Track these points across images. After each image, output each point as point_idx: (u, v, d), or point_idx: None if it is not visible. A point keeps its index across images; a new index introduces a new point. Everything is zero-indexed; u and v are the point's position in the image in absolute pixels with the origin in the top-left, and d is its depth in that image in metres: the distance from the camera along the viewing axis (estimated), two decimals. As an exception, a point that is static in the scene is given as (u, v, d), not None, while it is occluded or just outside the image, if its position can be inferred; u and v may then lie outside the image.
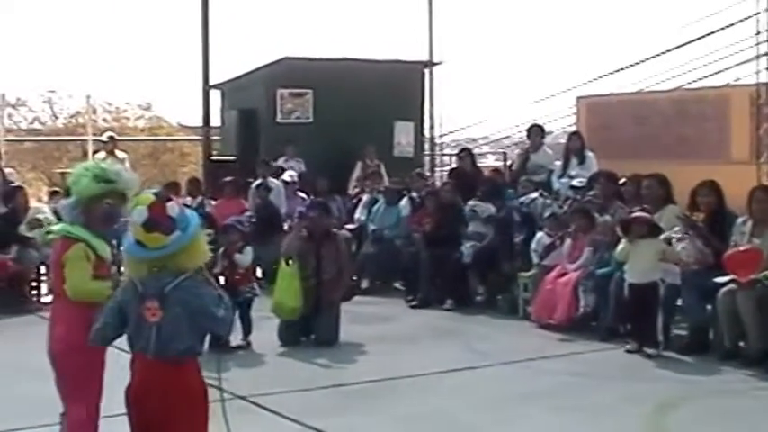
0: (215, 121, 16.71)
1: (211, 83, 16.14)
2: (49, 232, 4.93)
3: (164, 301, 4.01)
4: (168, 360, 4.03)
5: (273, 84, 16.02)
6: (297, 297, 9.05)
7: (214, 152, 16.54)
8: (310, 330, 9.23)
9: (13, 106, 25.80)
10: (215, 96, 17.01)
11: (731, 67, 18.05)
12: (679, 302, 9.01)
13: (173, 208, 4.06)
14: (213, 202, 13.40)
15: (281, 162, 14.91)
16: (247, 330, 9.05)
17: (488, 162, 24.36)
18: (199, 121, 16.55)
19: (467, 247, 11.31)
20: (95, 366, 4.70)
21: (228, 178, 13.77)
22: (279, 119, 16.01)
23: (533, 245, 10.73)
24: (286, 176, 13.95)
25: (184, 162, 24.80)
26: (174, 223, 4.03)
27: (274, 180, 13.90)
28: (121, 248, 4.23)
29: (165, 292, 4.02)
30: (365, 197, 13.62)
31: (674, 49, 19.08)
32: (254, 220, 12.98)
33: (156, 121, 27.59)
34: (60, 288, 4.77)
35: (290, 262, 9.17)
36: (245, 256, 9.11)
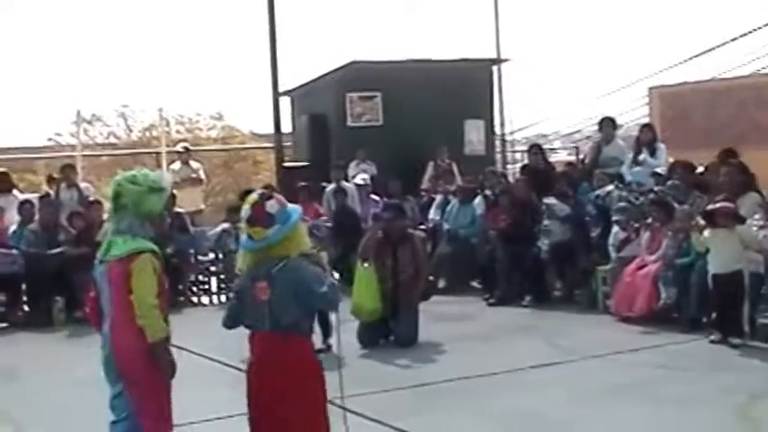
0: (286, 127, 16.86)
1: (281, 90, 16.28)
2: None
3: (271, 281, 4.55)
4: (281, 333, 4.56)
5: (342, 88, 16.12)
6: (375, 299, 9.09)
7: (286, 158, 16.69)
8: (390, 332, 9.27)
9: (89, 122, 26.36)
10: (285, 103, 17.16)
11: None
12: (764, 291, 8.84)
13: (272, 205, 4.61)
14: (288, 208, 13.50)
15: (352, 165, 14.99)
16: (327, 333, 9.10)
17: (560, 157, 24.14)
18: (270, 129, 16.71)
19: (544, 243, 11.23)
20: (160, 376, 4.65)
21: (302, 183, 13.88)
22: (349, 123, 16.09)
23: (611, 239, 10.62)
24: (358, 179, 14.02)
25: (258, 170, 25.03)
26: (272, 218, 4.58)
27: (348, 183, 13.98)
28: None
29: (272, 274, 4.55)
30: (438, 197, 13.61)
31: (749, 33, 18.66)
32: (330, 224, 13.13)
33: (229, 131, 27.90)
34: (121, 304, 4.60)
35: (367, 264, 9.22)
36: (323, 257, 9.19)
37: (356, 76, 16.08)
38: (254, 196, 4.71)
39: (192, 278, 13.02)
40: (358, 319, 9.25)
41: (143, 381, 4.59)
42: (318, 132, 16.39)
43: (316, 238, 9.59)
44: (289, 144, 17.36)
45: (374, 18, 50.72)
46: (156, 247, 4.72)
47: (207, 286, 13.06)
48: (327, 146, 16.13)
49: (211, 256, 13.02)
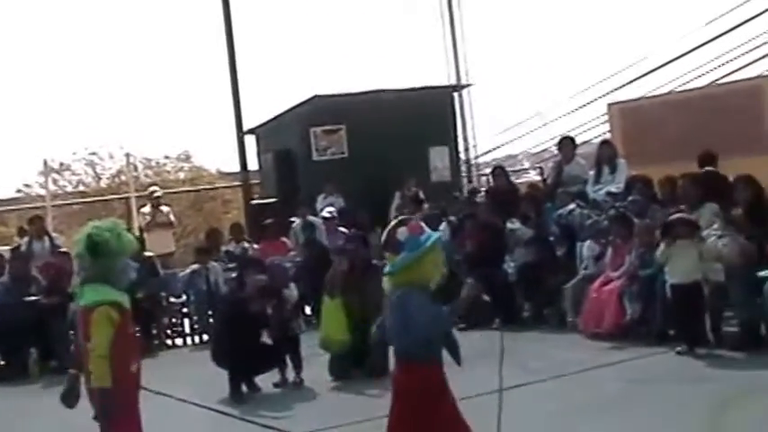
0: (253, 164, 16.98)
1: (246, 128, 16.42)
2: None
3: (391, 309, 4.73)
4: (400, 359, 4.73)
5: (306, 123, 16.26)
6: (344, 331, 9.17)
7: (255, 195, 16.77)
8: (361, 362, 9.33)
9: (57, 171, 26.35)
10: (251, 141, 17.28)
11: (761, 58, 17.90)
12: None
13: (402, 233, 4.69)
14: (256, 246, 13.60)
15: (320, 199, 15.08)
16: (299, 367, 9.18)
17: (530, 177, 24.31)
18: (238, 167, 16.81)
19: (510, 266, 11.35)
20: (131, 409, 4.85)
21: (269, 220, 13.97)
22: (315, 157, 16.23)
23: (585, 251, 10.74)
24: (326, 213, 14.12)
25: (227, 209, 25.08)
26: (400, 245, 4.66)
27: (315, 217, 14.07)
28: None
29: (392, 300, 4.73)
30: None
31: (701, 45, 18.96)
32: (299, 258, 13.20)
33: (196, 171, 27.97)
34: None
35: (334, 296, 9.30)
36: (292, 292, 9.32)
37: (319, 110, 16.24)
38: (393, 222, 4.83)
39: (165, 321, 13.04)
40: (328, 351, 9.32)
41: (115, 420, 4.78)
42: (285, 168, 16.51)
43: (284, 271, 9.75)
44: (256, 181, 17.45)
45: (335, 51, 51.02)
46: (119, 297, 4.87)
47: (180, 328, 13.07)
48: (294, 181, 16.24)
49: (183, 297, 13.06)
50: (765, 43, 17.40)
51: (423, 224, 4.84)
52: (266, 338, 9.02)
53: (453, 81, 18.76)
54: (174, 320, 13.12)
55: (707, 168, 11.08)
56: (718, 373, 8.06)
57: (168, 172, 27.83)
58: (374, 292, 9.36)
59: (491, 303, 11.39)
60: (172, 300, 13.08)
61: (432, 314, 4.66)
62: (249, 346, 8.82)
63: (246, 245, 13.64)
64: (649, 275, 9.43)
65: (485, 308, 10.82)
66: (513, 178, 15.70)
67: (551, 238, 11.50)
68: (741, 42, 18.27)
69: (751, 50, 18.05)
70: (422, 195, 14.89)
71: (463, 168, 18.64)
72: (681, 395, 7.46)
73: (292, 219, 14.33)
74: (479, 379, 5.97)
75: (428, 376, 4.75)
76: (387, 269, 4.78)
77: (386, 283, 4.94)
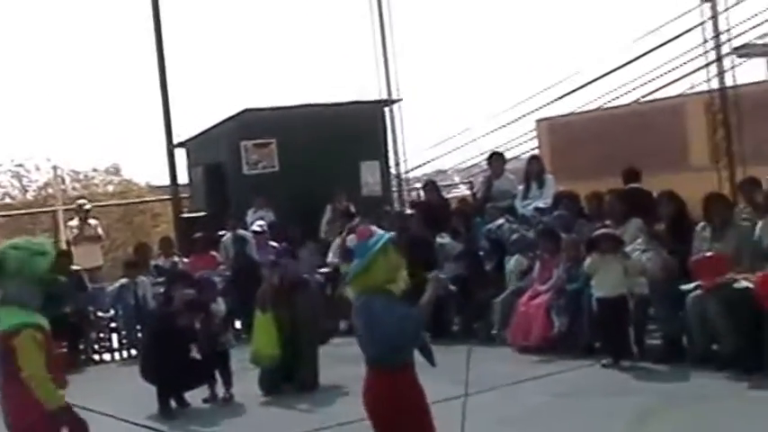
0: (183, 178, 16.84)
1: (176, 141, 16.27)
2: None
3: (356, 317, 4.71)
4: (370, 366, 4.71)
5: (236, 136, 16.18)
6: (274, 345, 9.15)
7: (184, 209, 16.64)
8: (291, 376, 9.31)
9: (-19, 183, 25.85)
10: (181, 154, 17.14)
11: (684, 76, 18.33)
12: (651, 312, 9.18)
13: (351, 240, 4.69)
14: (186, 260, 13.50)
15: (250, 213, 15.03)
16: (228, 382, 9.13)
17: (460, 192, 24.49)
18: (167, 180, 16.67)
19: (444, 277, 11.41)
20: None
21: (199, 234, 13.89)
22: (245, 170, 16.15)
23: (511, 266, 10.88)
24: (256, 227, 14.06)
25: (157, 222, 24.82)
26: (350, 253, 4.86)
27: (245, 231, 14.01)
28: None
29: (356, 309, 4.71)
30: (336, 240, 13.71)
31: (627, 63, 19.32)
32: (228, 273, 13.14)
33: (126, 185, 27.65)
34: (7, 375, 4.71)
35: (265, 311, 9.28)
36: (220, 307, 9.30)
37: (250, 123, 16.17)
38: (345, 231, 4.81)
39: (93, 336, 12.87)
40: (258, 366, 9.29)
41: None
42: (215, 182, 16.41)
43: (212, 285, 9.71)
44: (186, 195, 17.32)
45: (267, 64, 50.88)
46: (38, 319, 4.74)
47: (108, 343, 12.91)
48: (224, 195, 16.15)
49: (111, 312, 12.90)
50: (689, 62, 17.82)
51: (372, 228, 4.81)
52: (195, 353, 8.96)
53: (384, 96, 18.81)
54: (101, 335, 12.96)
55: (632, 185, 11.35)
56: (642, 385, 8.23)
57: (97, 185, 27.43)
58: (304, 306, 9.40)
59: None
60: (99, 314, 12.92)
61: (398, 316, 4.61)
62: (178, 361, 8.75)
63: (176, 259, 13.53)
64: (576, 289, 9.60)
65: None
66: (443, 193, 15.83)
67: (481, 253, 11.62)
68: (666, 60, 18.68)
69: (675, 69, 18.47)
70: (353, 209, 14.93)
71: (394, 183, 18.72)
72: (606, 407, 7.60)
73: (221, 232, 14.25)
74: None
75: (398, 381, 4.71)
76: (346, 278, 4.81)
77: (348, 292, 4.94)
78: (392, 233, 4.82)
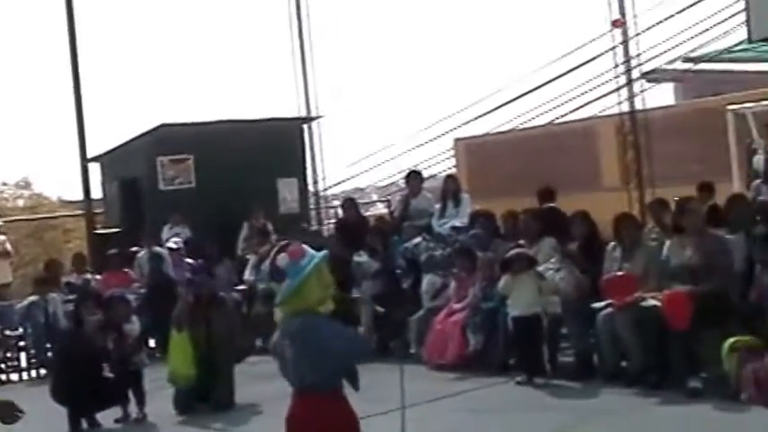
0: (97, 193, 16.60)
1: (90, 155, 16.06)
2: None
3: (292, 340, 4.41)
4: (307, 391, 4.43)
5: (153, 151, 16.02)
6: (190, 365, 9.06)
7: (98, 225, 16.40)
8: (206, 396, 9.22)
9: None
10: (95, 168, 16.90)
11: (597, 99, 18.79)
12: (564, 330, 9.36)
13: (282, 259, 4.43)
14: (99, 277, 13.28)
15: (166, 229, 14.87)
16: (141, 402, 9.01)
17: (377, 210, 24.60)
18: (80, 195, 16.41)
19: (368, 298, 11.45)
20: None
21: (113, 251, 13.70)
22: (161, 186, 16.00)
23: (424, 286, 10.96)
24: (171, 243, 13.92)
25: (69, 238, 24.40)
26: (282, 273, 4.42)
27: (161, 248, 13.86)
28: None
29: (292, 331, 4.43)
30: (252, 258, 13.65)
31: (542, 85, 19.73)
32: (142, 290, 12.97)
33: (37, 199, 27.14)
34: None
35: (181, 330, 9.18)
36: (134, 326, 9.16)
37: (166, 138, 16.04)
38: (275, 249, 4.53)
39: (0, 355, 12.56)
40: (174, 386, 9.18)
41: None
42: (130, 197, 16.22)
43: (126, 303, 9.57)
44: (100, 210, 17.06)
45: (184, 80, 50.51)
46: None
47: (16, 363, 12.60)
48: (140, 211, 15.96)
49: (20, 330, 12.60)
50: (601, 85, 18.26)
51: (304, 246, 4.53)
52: (107, 373, 8.81)
53: (303, 113, 18.84)
54: (9, 354, 12.65)
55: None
56: (555, 402, 8.38)
57: (6, 199, 26.89)
58: (220, 325, 9.32)
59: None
60: (7, 333, 12.62)
61: (347, 338, 4.47)
62: (89, 381, 8.60)
63: (88, 276, 13.30)
64: (491, 308, 9.72)
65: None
66: (361, 211, 15.88)
67: (398, 271, 11.70)
68: (579, 83, 19.13)
69: (588, 91, 18.91)
70: (270, 227, 14.89)
71: (312, 200, 18.74)
72: (521, 424, 7.72)
73: (134, 249, 14.07)
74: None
75: (336, 407, 4.50)
76: (276, 300, 4.52)
77: (277, 314, 4.67)
78: (325, 252, 4.67)
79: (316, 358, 4.37)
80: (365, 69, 53.29)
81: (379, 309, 10.96)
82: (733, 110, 12.23)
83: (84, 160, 15.80)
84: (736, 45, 16.86)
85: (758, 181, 9.68)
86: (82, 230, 18.54)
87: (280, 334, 4.52)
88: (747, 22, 10.94)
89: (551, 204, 11.56)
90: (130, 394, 8.98)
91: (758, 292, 7.99)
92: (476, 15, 57.53)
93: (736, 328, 7.86)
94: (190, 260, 13.54)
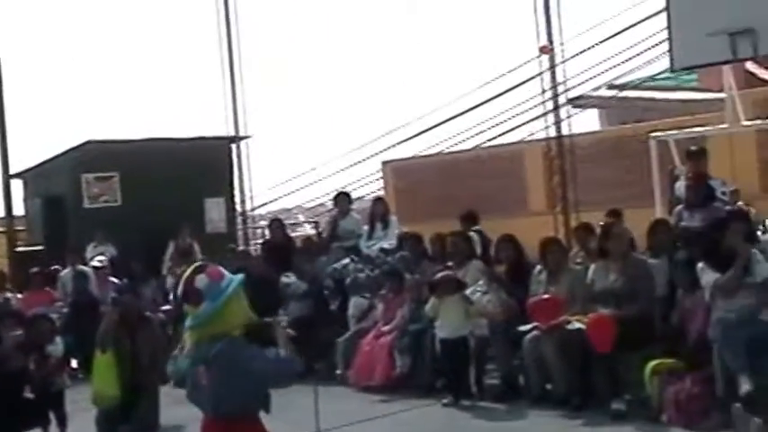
0: (19, 210, 16.32)
1: (12, 171, 15.79)
2: None
3: (209, 366, 4.26)
4: (223, 418, 4.29)
5: (78, 168, 15.83)
6: (115, 385, 8.88)
7: (20, 243, 16.09)
8: (130, 417, 9.07)
9: None
10: (17, 185, 16.61)
11: (524, 123, 19.09)
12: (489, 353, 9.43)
13: (201, 280, 4.30)
14: (20, 296, 13.00)
15: (90, 248, 14.64)
16: (63, 424, 8.82)
17: (305, 230, 24.56)
18: (2, 212, 16.12)
19: (283, 319, 11.39)
20: None
21: (35, 269, 13.44)
22: (86, 204, 15.80)
23: (350, 309, 10.97)
24: (96, 262, 13.70)
25: (-12, 255, 23.85)
26: (201, 295, 4.27)
27: (85, 267, 13.63)
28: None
29: (210, 357, 4.26)
30: (170, 278, 13.47)
31: (470, 109, 19.98)
32: (66, 309, 12.72)
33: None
34: None
35: (105, 350, 9.02)
36: (57, 346, 8.96)
37: (92, 155, 15.86)
38: (187, 270, 4.40)
39: None
40: (98, 407, 9.01)
41: None
42: (53, 215, 15.98)
43: (49, 322, 9.36)
44: (22, 227, 16.75)
45: (112, 96, 49.93)
46: None
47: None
48: (63, 228, 15.72)
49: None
50: (528, 110, 18.57)
51: (221, 269, 4.46)
52: (28, 394, 8.61)
53: (231, 132, 18.78)
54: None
55: (475, 227, 11.67)
56: (481, 424, 8.44)
57: None
58: (144, 345, 9.17)
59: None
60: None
61: (272, 361, 4.37)
62: (9, 402, 8.38)
63: (9, 295, 13.00)
64: (419, 329, 9.77)
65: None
66: (288, 231, 15.86)
67: (325, 292, 11.68)
68: (506, 108, 19.42)
69: (515, 116, 19.19)
70: (196, 247, 14.77)
71: (239, 220, 18.65)
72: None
73: (57, 267, 13.81)
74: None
75: (255, 430, 4.42)
76: (189, 323, 4.35)
77: (189, 338, 4.41)
78: (241, 275, 4.58)
79: (238, 383, 4.27)
80: (295, 90, 53.22)
81: (291, 332, 10.87)
82: (656, 137, 12.51)
83: (7, 176, 15.54)
84: (659, 73, 17.33)
85: (680, 207, 9.88)
86: (3, 248, 18.18)
87: (191, 360, 4.37)
88: (670, 51, 11.22)
89: (476, 227, 11.68)
90: (51, 416, 8.78)
91: (680, 315, 8.16)
92: (405, 39, 57.98)
93: (658, 351, 8.00)
94: (115, 279, 13.33)
